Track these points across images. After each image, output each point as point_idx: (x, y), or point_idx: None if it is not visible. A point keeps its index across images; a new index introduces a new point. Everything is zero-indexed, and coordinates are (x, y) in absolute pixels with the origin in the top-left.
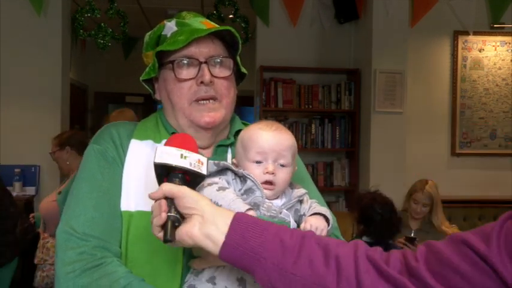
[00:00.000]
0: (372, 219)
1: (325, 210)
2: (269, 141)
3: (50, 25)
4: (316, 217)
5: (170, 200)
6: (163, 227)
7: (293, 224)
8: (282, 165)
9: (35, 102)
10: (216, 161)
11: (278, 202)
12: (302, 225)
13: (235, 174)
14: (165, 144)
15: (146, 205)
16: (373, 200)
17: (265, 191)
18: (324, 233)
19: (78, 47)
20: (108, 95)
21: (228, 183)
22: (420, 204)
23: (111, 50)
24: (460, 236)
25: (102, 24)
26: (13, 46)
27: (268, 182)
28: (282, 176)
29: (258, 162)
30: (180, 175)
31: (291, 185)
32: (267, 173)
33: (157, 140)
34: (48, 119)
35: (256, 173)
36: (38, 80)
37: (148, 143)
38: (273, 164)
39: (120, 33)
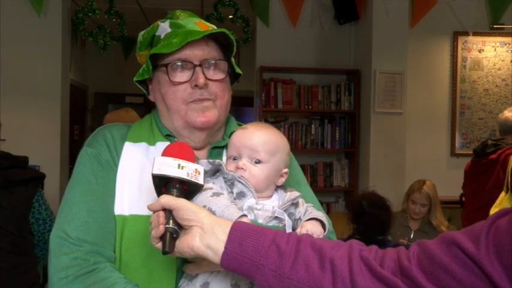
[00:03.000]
0: (361, 216)
1: (321, 215)
2: (242, 138)
3: (50, 25)
4: (312, 222)
5: (168, 212)
6: (162, 238)
7: (288, 221)
8: (257, 162)
9: (35, 102)
10: (210, 160)
11: (270, 203)
12: (298, 230)
13: (224, 178)
14: (162, 154)
15: (140, 209)
16: (361, 198)
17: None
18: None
19: (78, 47)
20: (108, 95)
21: (222, 188)
22: (418, 204)
23: (111, 50)
24: (450, 236)
25: (103, 25)
26: (13, 46)
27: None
28: (256, 171)
29: (234, 158)
30: (177, 185)
31: (284, 188)
32: (237, 168)
33: (151, 143)
34: (48, 119)
35: (230, 168)
36: (38, 80)
37: (142, 145)
38: (246, 160)
39: (119, 34)
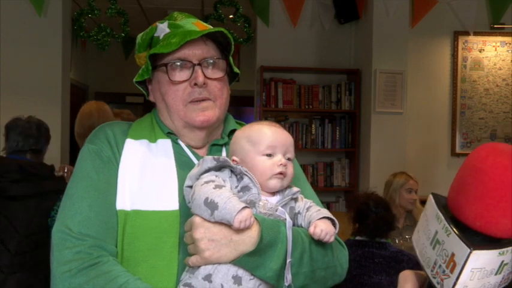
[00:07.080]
0: (366, 217)
1: (331, 214)
2: (278, 136)
3: (50, 25)
4: (324, 221)
5: None
6: None
7: (289, 221)
8: (289, 159)
9: (35, 102)
10: (215, 156)
11: (273, 199)
12: (311, 230)
13: (232, 172)
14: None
15: (142, 204)
16: (367, 198)
17: (273, 181)
18: (332, 239)
19: (78, 47)
20: (108, 95)
21: (225, 181)
22: (413, 190)
23: (111, 50)
24: None
25: (102, 24)
26: (13, 46)
27: (281, 173)
28: (290, 168)
29: (269, 155)
30: None
31: None
32: (280, 164)
33: (152, 140)
34: (48, 119)
35: (267, 165)
36: (38, 80)
37: (143, 142)
38: (283, 157)
39: (121, 33)
